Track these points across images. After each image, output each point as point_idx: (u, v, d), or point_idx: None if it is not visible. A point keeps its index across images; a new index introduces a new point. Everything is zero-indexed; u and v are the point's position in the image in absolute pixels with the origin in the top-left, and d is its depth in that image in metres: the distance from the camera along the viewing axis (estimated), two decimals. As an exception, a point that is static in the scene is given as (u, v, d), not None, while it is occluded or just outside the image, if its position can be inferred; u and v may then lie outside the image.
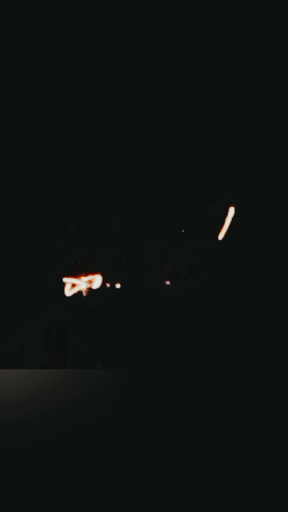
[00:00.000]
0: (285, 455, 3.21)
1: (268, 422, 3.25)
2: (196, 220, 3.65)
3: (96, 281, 3.59)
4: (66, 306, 3.62)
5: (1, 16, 3.33)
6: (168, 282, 3.63)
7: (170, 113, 3.39)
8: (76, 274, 3.65)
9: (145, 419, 3.25)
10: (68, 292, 3.59)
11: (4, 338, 3.59)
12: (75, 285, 3.61)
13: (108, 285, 3.60)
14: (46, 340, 3.56)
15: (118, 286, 3.63)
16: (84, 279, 3.59)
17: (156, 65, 3.37)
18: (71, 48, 3.34)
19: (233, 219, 3.64)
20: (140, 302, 3.62)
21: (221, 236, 3.52)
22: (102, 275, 3.61)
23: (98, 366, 3.53)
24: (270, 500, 3.17)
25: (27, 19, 3.34)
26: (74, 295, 3.63)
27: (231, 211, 3.57)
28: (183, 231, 3.46)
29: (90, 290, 3.58)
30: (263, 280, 3.61)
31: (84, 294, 3.57)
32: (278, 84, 3.39)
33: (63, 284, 3.65)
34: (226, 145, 3.63)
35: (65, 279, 3.59)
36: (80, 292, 3.63)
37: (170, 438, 3.23)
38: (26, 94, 3.37)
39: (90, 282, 3.60)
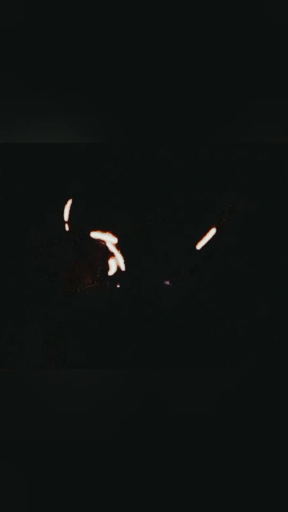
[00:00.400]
0: (286, 455, 3.22)
1: (268, 422, 3.25)
2: (196, 220, 3.65)
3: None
4: (66, 306, 3.62)
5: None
6: (168, 282, 3.63)
7: (170, 113, 3.39)
8: (76, 274, 3.65)
9: (145, 419, 3.25)
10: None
11: (4, 338, 3.60)
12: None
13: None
14: (46, 340, 3.57)
15: (118, 286, 3.64)
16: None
17: (156, 65, 3.37)
18: (69, 47, 3.34)
19: (234, 219, 3.64)
20: (140, 302, 3.62)
21: (199, 246, 3.53)
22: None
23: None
24: (270, 501, 3.17)
25: (26, 17, 3.34)
26: (74, 295, 3.64)
27: (212, 231, 3.58)
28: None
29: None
30: (263, 280, 3.61)
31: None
32: (279, 84, 3.39)
33: (63, 284, 3.65)
34: (226, 145, 3.63)
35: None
36: (81, 293, 3.63)
37: (170, 438, 3.24)
38: (25, 94, 3.38)
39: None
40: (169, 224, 3.65)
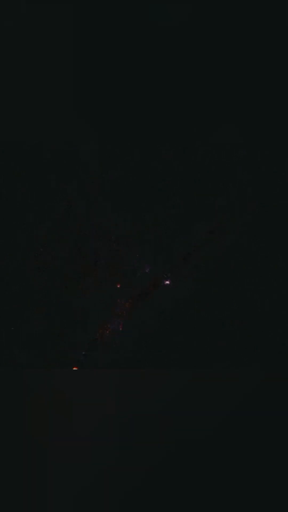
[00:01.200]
0: (286, 454, 3.21)
1: (268, 421, 3.25)
2: (196, 220, 3.65)
3: None
4: (66, 306, 3.62)
5: None
6: (168, 282, 3.63)
7: (170, 113, 3.39)
8: (77, 273, 3.65)
9: (145, 419, 3.25)
10: None
11: (4, 338, 3.59)
12: None
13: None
14: (46, 339, 3.57)
15: (118, 286, 3.64)
16: None
17: (156, 65, 3.37)
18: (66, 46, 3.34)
19: (234, 218, 3.64)
20: (140, 302, 3.62)
21: None
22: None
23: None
24: (270, 502, 3.17)
25: (26, 17, 3.34)
26: (74, 295, 3.64)
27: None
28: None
29: None
30: (263, 280, 3.61)
31: None
32: (279, 84, 3.39)
33: (63, 284, 3.65)
34: (226, 145, 3.63)
35: None
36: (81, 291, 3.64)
37: (170, 437, 3.23)
38: (23, 93, 3.38)
39: None
40: (169, 224, 3.65)
